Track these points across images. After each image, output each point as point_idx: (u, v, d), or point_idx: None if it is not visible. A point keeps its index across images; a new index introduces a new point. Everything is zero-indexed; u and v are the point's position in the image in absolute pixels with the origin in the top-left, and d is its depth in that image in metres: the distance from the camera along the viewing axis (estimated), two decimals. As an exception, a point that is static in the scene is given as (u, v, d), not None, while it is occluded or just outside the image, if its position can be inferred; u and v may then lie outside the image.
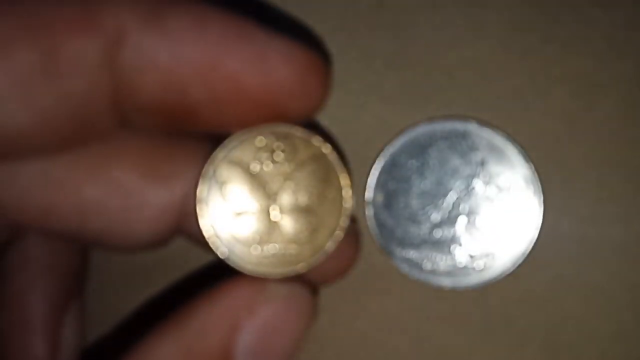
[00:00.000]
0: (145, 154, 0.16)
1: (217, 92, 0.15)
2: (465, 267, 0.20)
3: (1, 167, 0.16)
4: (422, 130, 0.20)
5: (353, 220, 0.20)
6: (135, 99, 0.15)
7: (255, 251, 0.16)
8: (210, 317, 0.15)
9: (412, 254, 0.20)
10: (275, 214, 0.16)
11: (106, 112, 0.15)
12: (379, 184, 0.20)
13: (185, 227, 0.17)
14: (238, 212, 0.16)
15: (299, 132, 0.16)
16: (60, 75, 0.14)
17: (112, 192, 0.16)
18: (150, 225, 0.17)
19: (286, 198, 0.16)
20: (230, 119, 0.15)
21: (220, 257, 0.16)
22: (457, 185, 0.20)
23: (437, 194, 0.20)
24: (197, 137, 0.17)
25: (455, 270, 0.20)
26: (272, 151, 0.16)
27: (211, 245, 0.16)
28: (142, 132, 0.16)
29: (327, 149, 0.16)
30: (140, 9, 0.14)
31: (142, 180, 0.16)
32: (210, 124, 0.16)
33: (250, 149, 0.16)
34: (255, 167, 0.16)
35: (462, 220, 0.20)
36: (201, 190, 0.16)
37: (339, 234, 0.16)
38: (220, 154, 0.16)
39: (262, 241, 0.16)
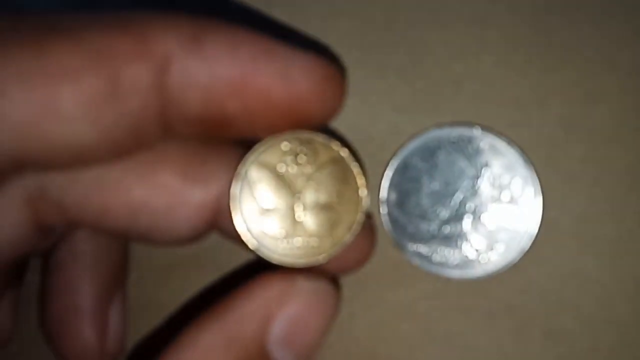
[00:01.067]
0: (186, 159, 0.17)
1: (249, 104, 0.16)
2: (471, 260, 0.20)
3: (66, 174, 0.16)
4: (431, 135, 0.21)
5: (369, 216, 0.20)
6: (179, 114, 0.16)
7: (282, 243, 0.17)
8: (247, 309, 0.16)
9: (422, 248, 0.21)
10: (299, 210, 0.17)
11: (155, 125, 0.16)
12: (392, 185, 0.21)
13: (220, 223, 0.18)
14: (266, 208, 0.17)
15: (319, 137, 0.17)
16: (119, 97, 0.15)
17: (158, 193, 0.17)
18: (190, 222, 0.17)
19: (309, 196, 0.17)
20: (260, 126, 0.16)
21: (251, 248, 0.17)
22: (464, 186, 0.21)
23: (445, 194, 0.21)
24: (230, 143, 0.18)
25: (462, 263, 0.20)
26: (296, 154, 0.17)
27: (243, 239, 0.17)
28: (183, 140, 0.17)
29: (344, 152, 0.17)
30: (183, 37, 0.15)
31: (183, 182, 0.17)
32: (242, 132, 0.16)
33: (277, 152, 0.17)
34: (281, 168, 0.17)
35: (468, 218, 0.21)
36: (234, 190, 0.17)
37: (356, 228, 0.17)
38: (250, 157, 0.17)
39: (287, 235, 0.17)
